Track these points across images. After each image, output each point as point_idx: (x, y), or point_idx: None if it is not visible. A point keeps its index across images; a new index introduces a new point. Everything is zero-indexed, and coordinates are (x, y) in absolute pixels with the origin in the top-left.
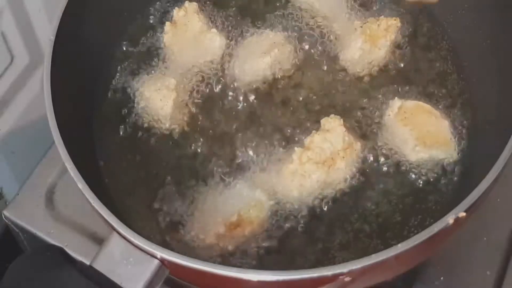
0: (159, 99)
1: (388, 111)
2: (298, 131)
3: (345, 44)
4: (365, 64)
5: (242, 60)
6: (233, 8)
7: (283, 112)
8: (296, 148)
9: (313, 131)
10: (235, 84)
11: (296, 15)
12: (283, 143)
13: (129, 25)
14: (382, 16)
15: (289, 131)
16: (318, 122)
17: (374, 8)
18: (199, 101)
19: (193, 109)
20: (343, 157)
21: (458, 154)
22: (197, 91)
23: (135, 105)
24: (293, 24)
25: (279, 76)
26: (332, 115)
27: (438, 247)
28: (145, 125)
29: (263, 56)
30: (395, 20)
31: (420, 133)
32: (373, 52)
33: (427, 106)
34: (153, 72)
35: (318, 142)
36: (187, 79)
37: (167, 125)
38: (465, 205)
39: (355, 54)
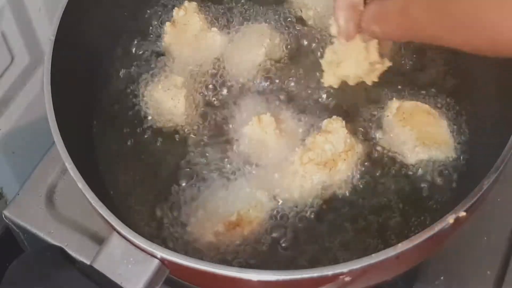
0: (171, 98)
1: (386, 112)
2: (300, 130)
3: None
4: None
5: (239, 55)
6: (232, 7)
7: (284, 111)
8: (297, 149)
9: (315, 132)
10: (236, 81)
11: (292, 13)
12: (286, 142)
13: (130, 25)
14: None
15: (291, 130)
16: (320, 121)
17: None
18: (201, 100)
19: (201, 107)
20: (345, 159)
21: (458, 153)
22: (198, 90)
23: (143, 107)
24: (289, 23)
25: (277, 75)
26: (334, 117)
27: (439, 246)
28: (158, 125)
29: (257, 48)
30: None
31: (419, 134)
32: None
33: (425, 106)
34: (154, 72)
35: (319, 143)
36: (190, 78)
37: (183, 123)
38: (465, 204)
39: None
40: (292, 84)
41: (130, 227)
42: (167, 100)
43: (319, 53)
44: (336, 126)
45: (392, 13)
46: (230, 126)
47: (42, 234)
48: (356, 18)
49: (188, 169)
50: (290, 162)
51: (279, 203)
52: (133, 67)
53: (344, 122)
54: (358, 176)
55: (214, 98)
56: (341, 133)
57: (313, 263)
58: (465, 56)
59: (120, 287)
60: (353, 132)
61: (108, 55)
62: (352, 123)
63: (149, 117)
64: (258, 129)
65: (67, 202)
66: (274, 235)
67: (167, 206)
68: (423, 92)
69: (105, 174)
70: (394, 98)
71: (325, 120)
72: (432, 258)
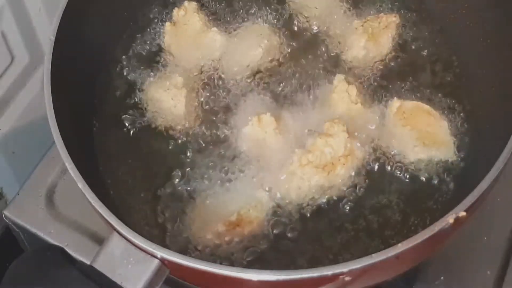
0: (171, 98)
1: (387, 111)
2: (300, 131)
3: (347, 43)
4: (368, 64)
5: (238, 55)
6: (232, 7)
7: (283, 110)
8: (296, 150)
9: (315, 134)
10: (236, 81)
11: (292, 13)
12: (286, 143)
13: (129, 25)
14: (382, 14)
15: (291, 130)
16: (320, 122)
17: (370, 7)
18: (201, 100)
19: (201, 107)
20: (344, 164)
21: (458, 154)
22: (199, 90)
23: (144, 107)
24: (289, 23)
25: (277, 75)
26: (336, 120)
27: (439, 246)
28: (158, 125)
29: (254, 48)
30: (394, 16)
31: (420, 134)
32: (377, 50)
33: (426, 107)
34: (154, 72)
35: (319, 146)
36: (190, 78)
37: (183, 123)
38: (466, 204)
39: (359, 53)
40: (293, 84)
41: (130, 227)
42: (167, 100)
43: (318, 53)
44: (337, 130)
45: None
46: (230, 126)
47: (42, 234)
48: None
49: (188, 169)
50: (289, 163)
51: (279, 203)
52: (133, 67)
53: (345, 126)
54: (357, 176)
55: (214, 98)
56: (341, 137)
57: (313, 263)
58: (467, 56)
59: (120, 287)
60: (353, 132)
61: (108, 55)
62: (352, 122)
63: (150, 117)
64: (258, 129)
65: (67, 202)
66: (274, 235)
67: (167, 206)
68: (424, 92)
69: (105, 174)
70: (395, 98)
71: (327, 123)
72: (432, 258)
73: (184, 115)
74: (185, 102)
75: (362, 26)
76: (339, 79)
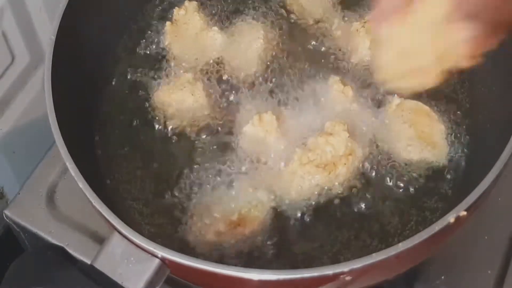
0: (191, 94)
1: (387, 109)
2: (301, 129)
3: (350, 46)
4: (369, 64)
5: (238, 54)
6: (232, 5)
7: (284, 109)
8: (297, 149)
9: (316, 133)
10: (236, 80)
11: (292, 11)
12: (287, 142)
13: (130, 24)
14: None
15: (292, 129)
16: (321, 121)
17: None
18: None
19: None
20: (345, 164)
21: (455, 154)
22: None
23: (146, 107)
24: (288, 22)
25: (278, 73)
26: (337, 120)
27: (439, 246)
28: (160, 125)
29: (253, 47)
30: None
31: (416, 133)
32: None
33: (426, 107)
34: (155, 71)
35: (320, 145)
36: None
37: (205, 117)
38: (466, 204)
39: (365, 55)
40: (293, 83)
41: (130, 227)
42: (187, 98)
43: (318, 53)
44: (338, 129)
45: None
46: (231, 124)
47: (42, 234)
48: None
49: (189, 168)
50: (290, 162)
51: (280, 203)
52: (134, 66)
53: (346, 125)
54: (358, 177)
55: (214, 97)
56: (342, 136)
57: (314, 263)
58: None
59: (121, 286)
60: (354, 132)
61: (108, 55)
62: (352, 122)
63: (151, 116)
64: (258, 128)
65: (67, 201)
66: (275, 234)
67: (168, 205)
68: (424, 91)
69: (105, 173)
70: (395, 95)
71: (328, 123)
72: (432, 258)
73: (207, 107)
74: (205, 94)
75: (363, 27)
76: (334, 81)
